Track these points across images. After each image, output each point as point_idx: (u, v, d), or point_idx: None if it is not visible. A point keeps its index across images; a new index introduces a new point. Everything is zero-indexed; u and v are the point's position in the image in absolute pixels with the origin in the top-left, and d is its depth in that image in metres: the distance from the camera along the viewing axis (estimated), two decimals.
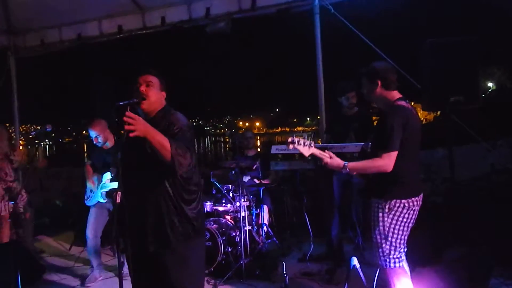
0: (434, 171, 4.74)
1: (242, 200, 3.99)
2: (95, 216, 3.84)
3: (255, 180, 4.58)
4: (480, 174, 4.54)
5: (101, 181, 3.81)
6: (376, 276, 2.88)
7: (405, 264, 2.41)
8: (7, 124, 5.02)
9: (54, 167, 8.18)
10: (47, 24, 5.63)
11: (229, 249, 3.83)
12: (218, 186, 4.27)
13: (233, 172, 4.47)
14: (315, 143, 2.43)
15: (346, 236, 4.28)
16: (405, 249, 2.41)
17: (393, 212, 2.32)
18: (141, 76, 2.19)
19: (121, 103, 2.03)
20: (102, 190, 3.78)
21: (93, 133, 3.75)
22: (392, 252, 2.33)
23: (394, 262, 2.34)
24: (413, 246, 2.54)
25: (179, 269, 2.10)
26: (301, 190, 5.03)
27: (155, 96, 2.18)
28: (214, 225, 4.00)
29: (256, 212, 4.32)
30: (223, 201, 4.22)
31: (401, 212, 2.32)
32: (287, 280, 3.38)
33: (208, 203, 4.21)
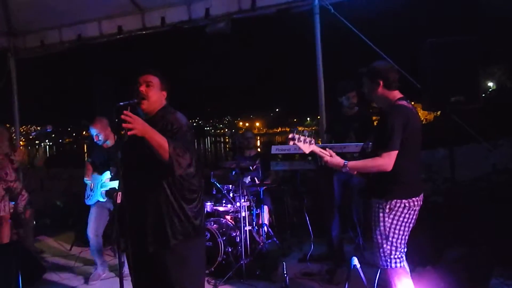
0: (434, 171, 4.74)
1: (243, 200, 3.99)
2: (95, 215, 3.85)
3: (256, 180, 4.58)
4: (480, 174, 4.54)
5: (101, 180, 3.81)
6: (377, 277, 2.88)
7: (405, 264, 2.41)
8: (8, 125, 5.03)
9: (54, 168, 8.19)
10: (47, 25, 5.64)
11: (230, 249, 3.83)
12: (219, 186, 4.27)
13: (233, 172, 4.47)
14: (315, 142, 2.43)
15: (347, 236, 4.28)
16: (405, 249, 2.41)
17: (393, 212, 2.32)
18: (141, 76, 2.19)
19: (121, 103, 2.03)
20: (101, 189, 3.78)
21: (94, 131, 3.76)
22: (393, 253, 2.33)
23: (395, 262, 2.34)
24: (413, 246, 2.53)
25: (179, 269, 2.10)
26: (302, 190, 5.03)
27: (155, 96, 2.18)
28: (215, 225, 4.00)
29: (257, 212, 4.32)
30: (224, 201, 4.22)
31: (402, 212, 2.32)
32: (287, 280, 3.38)
33: (209, 203, 4.21)
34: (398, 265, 2.34)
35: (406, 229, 2.35)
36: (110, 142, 3.82)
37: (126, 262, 2.29)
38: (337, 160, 2.38)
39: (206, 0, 4.83)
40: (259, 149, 5.92)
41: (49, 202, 6.45)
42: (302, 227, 4.56)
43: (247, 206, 4.10)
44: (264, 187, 4.54)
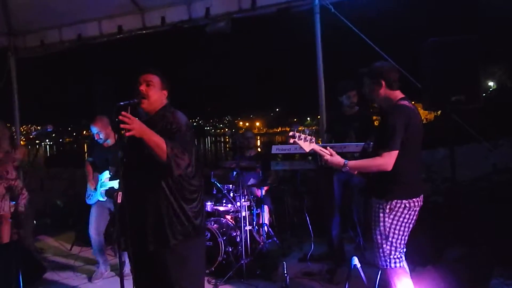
0: (435, 171, 4.74)
1: (243, 200, 3.99)
2: (96, 215, 3.86)
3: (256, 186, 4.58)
4: (481, 174, 4.53)
5: (100, 180, 3.82)
6: (378, 277, 2.88)
7: (405, 264, 2.41)
8: (8, 125, 5.02)
9: (54, 167, 8.19)
10: (47, 24, 5.64)
11: (230, 249, 3.83)
12: (219, 186, 4.27)
13: (234, 173, 4.47)
14: (316, 141, 2.43)
15: (347, 236, 4.28)
16: (405, 249, 2.41)
17: (393, 213, 2.32)
18: (142, 75, 2.19)
19: (121, 103, 2.03)
20: (101, 189, 3.79)
21: (94, 129, 3.76)
22: (393, 253, 2.33)
23: (395, 262, 2.34)
24: (414, 246, 2.53)
25: (179, 269, 2.10)
26: (302, 190, 5.03)
27: (155, 95, 2.18)
28: (215, 225, 4.00)
29: (257, 212, 4.32)
30: (224, 201, 4.22)
31: (402, 213, 2.32)
32: (287, 280, 3.38)
33: (209, 203, 4.21)
34: (398, 265, 2.34)
35: (406, 229, 2.35)
36: (110, 141, 3.82)
37: (128, 261, 2.29)
38: (338, 159, 2.38)
39: None
40: (259, 149, 5.91)
41: (49, 201, 6.45)
42: (302, 227, 4.56)
43: (247, 206, 4.10)
44: (264, 187, 4.54)
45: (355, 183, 3.73)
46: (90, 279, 3.90)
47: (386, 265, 2.35)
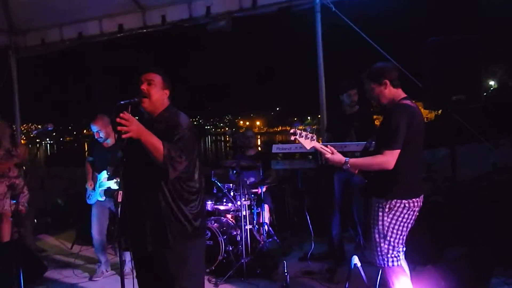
0: (435, 170, 4.73)
1: (243, 199, 3.99)
2: (97, 216, 3.87)
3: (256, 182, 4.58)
4: (481, 174, 4.53)
5: (99, 180, 3.82)
6: (379, 276, 2.88)
7: (404, 264, 2.41)
8: (9, 123, 5.03)
9: (55, 166, 8.19)
10: (48, 23, 5.64)
11: (230, 248, 3.83)
12: (219, 185, 4.28)
13: (234, 171, 4.47)
14: (317, 138, 2.42)
15: (347, 235, 4.28)
16: (404, 249, 2.41)
17: (393, 212, 2.32)
18: (143, 74, 2.18)
19: (122, 102, 2.03)
20: (100, 189, 3.79)
21: (95, 128, 3.76)
22: (390, 252, 2.33)
23: (392, 261, 2.34)
24: (414, 246, 2.54)
25: (179, 269, 2.10)
26: (302, 189, 5.03)
27: (157, 94, 2.16)
28: (215, 224, 4.00)
29: (257, 211, 4.32)
30: (224, 200, 4.23)
31: (401, 212, 2.32)
32: (288, 279, 3.38)
33: (209, 202, 4.22)
34: (395, 263, 2.34)
35: (405, 229, 2.35)
36: (110, 141, 3.82)
37: (131, 260, 2.29)
38: (338, 157, 2.37)
39: None
40: (259, 148, 5.91)
41: (50, 200, 6.46)
42: (303, 226, 4.56)
43: (248, 205, 4.11)
44: (265, 186, 4.54)
45: (356, 182, 3.73)
46: (90, 277, 3.91)
47: (384, 264, 2.36)
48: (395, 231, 2.32)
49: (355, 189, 3.83)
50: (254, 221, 4.24)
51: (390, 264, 2.34)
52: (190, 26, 5.10)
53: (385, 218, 2.32)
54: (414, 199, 2.33)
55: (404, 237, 2.37)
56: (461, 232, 3.24)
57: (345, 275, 3.11)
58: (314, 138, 2.38)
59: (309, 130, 2.38)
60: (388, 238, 2.32)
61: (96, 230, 3.85)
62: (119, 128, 1.88)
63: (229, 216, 4.23)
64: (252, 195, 4.25)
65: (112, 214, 3.94)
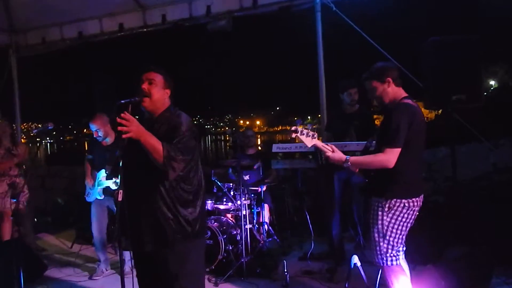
0: (435, 170, 4.73)
1: (243, 198, 3.99)
2: (97, 214, 3.88)
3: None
4: (481, 173, 4.53)
5: (98, 178, 3.82)
6: (379, 276, 2.88)
7: (404, 263, 2.41)
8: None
9: (55, 166, 8.19)
10: (48, 22, 5.64)
11: (230, 247, 3.83)
12: (219, 184, 4.28)
13: (230, 170, 4.47)
14: (318, 136, 2.41)
15: (347, 235, 4.28)
16: (404, 248, 2.41)
17: (392, 211, 2.32)
18: (145, 73, 2.17)
19: (122, 101, 2.02)
20: (98, 187, 3.79)
21: (93, 127, 3.76)
22: (389, 251, 2.33)
23: (391, 260, 2.34)
24: (414, 245, 2.54)
25: (179, 269, 2.09)
26: (302, 189, 5.03)
27: (158, 94, 2.16)
28: (215, 223, 4.00)
29: (257, 210, 4.32)
30: (224, 199, 4.23)
31: (401, 212, 2.32)
32: (288, 279, 3.39)
33: (209, 201, 4.22)
34: (394, 263, 2.34)
35: (404, 228, 2.35)
36: (109, 140, 3.82)
37: (130, 259, 2.29)
38: (339, 155, 2.37)
39: None
40: (259, 148, 5.91)
41: (50, 199, 6.46)
42: (303, 226, 4.56)
43: (248, 205, 4.11)
44: (265, 186, 4.54)
45: (356, 182, 3.73)
46: (90, 276, 3.92)
47: (382, 263, 2.36)
48: (394, 230, 2.32)
49: (355, 188, 3.82)
50: (254, 221, 4.24)
51: (389, 263, 2.34)
52: (191, 25, 5.10)
53: (385, 218, 2.32)
54: (414, 199, 2.33)
55: (404, 237, 2.37)
56: (461, 232, 3.24)
57: (345, 275, 3.11)
58: (315, 136, 2.38)
59: (310, 128, 2.37)
60: (388, 237, 2.32)
61: (96, 229, 3.86)
62: (119, 128, 1.88)
63: (229, 215, 4.23)
64: (252, 195, 4.25)
65: (111, 213, 3.94)
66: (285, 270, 3.44)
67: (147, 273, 2.21)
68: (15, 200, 3.84)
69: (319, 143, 2.39)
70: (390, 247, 2.33)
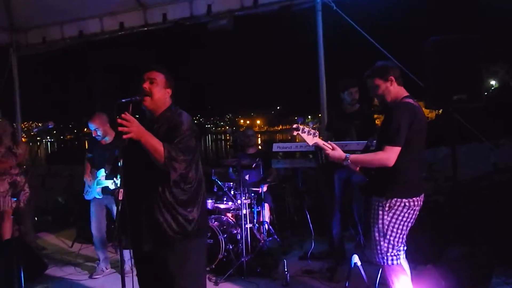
0: (436, 170, 4.73)
1: (243, 198, 3.99)
2: (96, 214, 3.88)
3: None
4: (482, 173, 4.53)
5: (97, 177, 3.82)
6: (379, 275, 2.88)
7: (404, 262, 2.41)
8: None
9: (56, 165, 8.20)
10: (49, 21, 5.64)
11: (230, 247, 3.83)
12: (220, 183, 4.28)
13: (231, 169, 4.46)
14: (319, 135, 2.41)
15: (348, 234, 4.28)
16: (405, 248, 2.41)
17: (393, 211, 2.32)
18: (146, 72, 2.17)
19: (123, 100, 2.02)
20: (97, 187, 3.79)
21: (92, 126, 3.76)
22: (390, 250, 2.33)
23: (392, 260, 2.34)
24: (414, 245, 2.53)
25: (179, 268, 2.08)
26: (302, 188, 5.03)
27: (159, 93, 2.15)
28: (216, 222, 4.00)
29: (257, 210, 4.32)
30: (224, 198, 4.22)
31: (401, 211, 2.32)
32: (288, 278, 3.39)
33: (210, 201, 4.22)
34: (395, 262, 2.34)
35: (405, 228, 2.34)
36: (108, 139, 3.82)
37: (130, 258, 2.29)
38: (339, 153, 2.37)
39: None
40: (260, 147, 5.91)
41: (50, 198, 6.46)
42: (303, 225, 4.56)
43: (248, 204, 4.11)
44: (265, 185, 4.54)
45: (356, 181, 3.73)
46: (91, 275, 3.92)
47: (383, 262, 2.36)
48: (395, 229, 2.32)
49: (356, 188, 3.82)
50: (255, 220, 4.24)
51: (389, 262, 2.34)
52: (191, 24, 5.10)
53: (385, 217, 2.32)
54: (414, 198, 2.33)
55: (405, 236, 2.36)
56: (462, 231, 3.24)
57: (345, 274, 3.11)
58: (316, 134, 2.37)
59: (311, 126, 2.36)
60: (388, 236, 2.32)
61: (95, 228, 3.87)
62: (119, 128, 1.88)
63: (229, 214, 4.23)
64: (253, 194, 4.25)
65: (109, 212, 3.94)
66: (286, 270, 3.44)
67: (147, 273, 2.21)
68: (15, 199, 3.84)
69: (320, 142, 2.39)
70: (390, 246, 2.33)
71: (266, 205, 4.48)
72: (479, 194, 4.10)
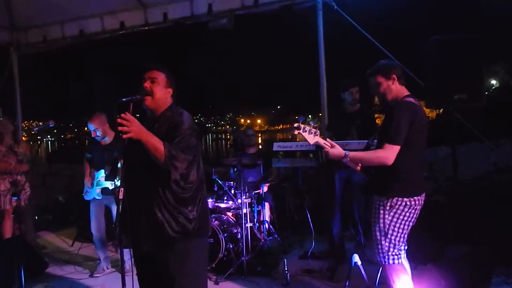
0: (436, 170, 4.73)
1: (244, 197, 3.99)
2: (95, 213, 3.89)
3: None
4: (482, 173, 4.53)
5: (97, 178, 3.82)
6: (379, 274, 2.89)
7: (405, 262, 2.41)
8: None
9: (56, 163, 8.20)
10: (49, 20, 5.63)
11: (231, 246, 3.83)
12: (220, 183, 4.28)
13: (232, 169, 4.46)
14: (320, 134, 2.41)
15: (348, 233, 4.28)
16: (406, 247, 2.41)
17: (394, 210, 2.32)
18: (147, 72, 2.17)
19: (123, 99, 2.02)
20: (97, 187, 3.79)
21: (91, 127, 3.76)
22: (391, 250, 2.33)
23: (393, 259, 2.34)
24: (415, 244, 2.54)
25: (179, 268, 2.08)
26: (303, 188, 5.03)
27: (160, 92, 2.14)
28: (216, 221, 4.01)
29: (258, 209, 4.32)
30: (225, 198, 4.23)
31: (402, 210, 2.32)
32: (288, 277, 3.40)
33: (210, 200, 4.22)
34: (396, 261, 2.34)
35: (406, 227, 2.34)
36: (108, 139, 3.82)
37: (130, 257, 2.28)
38: (338, 150, 2.37)
39: None
40: (260, 146, 5.92)
41: (51, 197, 6.47)
42: (303, 224, 4.56)
43: (248, 203, 4.11)
44: (265, 184, 4.55)
45: (356, 180, 3.73)
46: (91, 274, 3.92)
47: (384, 262, 2.36)
48: (396, 229, 2.32)
49: (356, 187, 3.83)
50: (255, 219, 4.24)
51: (391, 262, 2.34)
52: (192, 23, 5.09)
53: (386, 216, 2.32)
54: (415, 197, 2.33)
55: (406, 235, 2.36)
56: (462, 231, 3.24)
57: (345, 274, 3.11)
58: (317, 133, 2.37)
59: (313, 124, 2.36)
60: (389, 236, 2.32)
61: (95, 227, 3.87)
62: (119, 128, 1.87)
63: (229, 214, 4.23)
64: (253, 193, 4.25)
65: (108, 212, 3.94)
66: (286, 269, 3.45)
67: (147, 273, 2.21)
68: (16, 198, 3.84)
69: (321, 141, 2.39)
70: (392, 245, 2.33)
71: (267, 204, 4.48)
72: (479, 194, 4.10)
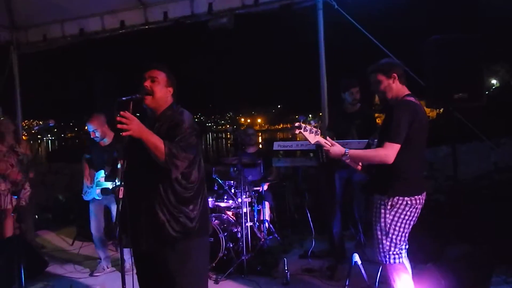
0: (437, 169, 4.74)
1: (244, 196, 3.99)
2: (95, 214, 3.89)
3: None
4: (482, 172, 4.53)
5: (96, 178, 3.82)
6: (379, 273, 2.89)
7: (406, 261, 2.41)
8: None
9: (56, 162, 8.21)
10: (49, 19, 5.63)
11: (231, 245, 3.84)
12: (220, 182, 4.28)
13: (234, 168, 4.46)
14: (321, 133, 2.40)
15: (348, 233, 4.29)
16: (407, 246, 2.41)
17: (395, 209, 2.32)
18: (147, 71, 2.16)
19: (123, 98, 2.02)
20: (96, 188, 3.79)
21: (90, 127, 3.76)
22: (392, 249, 2.33)
23: (394, 258, 2.34)
24: (415, 244, 2.53)
25: (179, 268, 2.07)
26: (303, 187, 5.03)
27: (160, 92, 2.14)
28: (216, 221, 4.01)
29: (258, 208, 4.33)
30: (225, 197, 4.23)
31: (403, 210, 2.32)
32: (288, 276, 3.40)
33: (210, 199, 4.22)
34: (397, 261, 2.34)
35: (407, 226, 2.34)
36: (107, 140, 3.82)
37: (130, 257, 2.28)
38: (338, 148, 2.37)
39: None
40: (260, 146, 5.92)
41: (51, 196, 6.47)
42: (303, 224, 4.57)
43: (249, 202, 4.11)
44: (266, 183, 4.55)
45: (356, 180, 3.73)
46: (91, 273, 3.92)
47: (385, 261, 2.36)
48: (397, 228, 2.32)
49: (356, 187, 3.83)
50: (255, 218, 4.24)
51: (391, 261, 2.34)
52: (192, 23, 5.09)
53: (387, 215, 2.32)
54: (416, 196, 2.33)
55: (407, 235, 2.36)
56: (462, 230, 3.24)
57: (345, 273, 3.12)
58: (318, 132, 2.37)
59: (314, 124, 2.36)
60: (390, 235, 2.32)
61: (95, 227, 3.87)
62: (119, 126, 1.87)
63: (229, 213, 4.23)
64: (253, 192, 4.25)
65: (108, 211, 3.94)
66: (286, 268, 3.45)
67: (147, 272, 2.20)
68: (16, 197, 3.84)
69: (322, 140, 2.39)
70: (393, 245, 2.33)
71: (267, 204, 4.48)
72: (479, 193, 4.11)
